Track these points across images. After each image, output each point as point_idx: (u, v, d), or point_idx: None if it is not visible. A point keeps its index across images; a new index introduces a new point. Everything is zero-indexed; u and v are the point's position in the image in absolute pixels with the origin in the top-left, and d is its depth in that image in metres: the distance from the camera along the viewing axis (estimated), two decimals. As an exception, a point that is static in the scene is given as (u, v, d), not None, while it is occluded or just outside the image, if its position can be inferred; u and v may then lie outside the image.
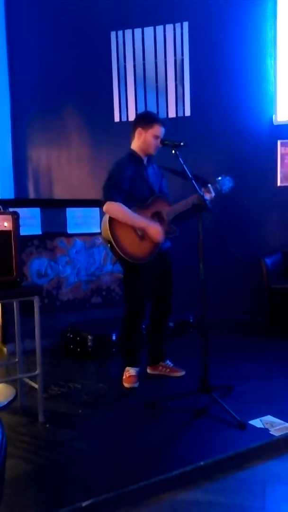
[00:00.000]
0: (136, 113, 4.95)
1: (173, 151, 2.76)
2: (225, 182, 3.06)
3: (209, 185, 3.00)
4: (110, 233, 2.89)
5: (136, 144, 3.07)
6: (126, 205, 2.91)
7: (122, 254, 2.90)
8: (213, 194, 3.00)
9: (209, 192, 2.98)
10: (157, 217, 3.02)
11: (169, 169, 3.09)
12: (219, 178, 3.06)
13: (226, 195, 3.10)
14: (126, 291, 3.16)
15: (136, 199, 2.99)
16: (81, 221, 4.27)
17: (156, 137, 2.99)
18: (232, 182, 3.10)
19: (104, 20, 5.00)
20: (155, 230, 2.94)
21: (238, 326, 4.57)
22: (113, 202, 2.90)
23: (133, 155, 3.07)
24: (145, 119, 3.06)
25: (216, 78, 4.85)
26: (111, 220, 2.91)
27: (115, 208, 2.90)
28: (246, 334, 4.39)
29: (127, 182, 2.95)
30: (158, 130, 3.00)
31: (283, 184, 4.78)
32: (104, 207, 2.93)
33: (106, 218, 2.95)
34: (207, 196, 2.92)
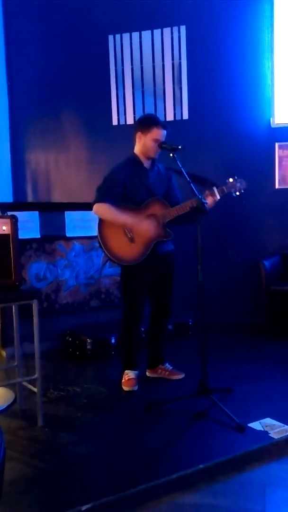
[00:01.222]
0: (134, 117, 4.97)
1: (171, 155, 2.75)
2: (236, 185, 2.89)
3: (214, 187, 2.88)
4: (99, 234, 2.93)
5: (137, 148, 3.06)
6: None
7: (109, 256, 2.93)
8: (217, 197, 2.88)
9: (212, 195, 2.86)
10: (151, 219, 2.99)
11: (175, 171, 3.01)
12: (230, 180, 2.90)
13: (224, 197, 2.97)
14: (122, 293, 3.17)
15: (133, 202, 2.98)
16: (80, 224, 4.27)
17: (155, 140, 2.95)
18: (245, 184, 2.90)
19: (102, 24, 5.02)
20: (144, 227, 2.92)
21: (237, 328, 4.58)
22: (100, 203, 2.92)
23: (132, 159, 3.06)
24: (144, 123, 3.03)
25: (213, 81, 4.87)
26: (100, 221, 2.95)
27: (102, 208, 2.92)
28: (245, 336, 4.39)
29: (120, 185, 2.95)
30: (157, 133, 2.95)
31: (281, 187, 4.79)
32: (93, 209, 2.96)
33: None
34: (210, 200, 2.83)
